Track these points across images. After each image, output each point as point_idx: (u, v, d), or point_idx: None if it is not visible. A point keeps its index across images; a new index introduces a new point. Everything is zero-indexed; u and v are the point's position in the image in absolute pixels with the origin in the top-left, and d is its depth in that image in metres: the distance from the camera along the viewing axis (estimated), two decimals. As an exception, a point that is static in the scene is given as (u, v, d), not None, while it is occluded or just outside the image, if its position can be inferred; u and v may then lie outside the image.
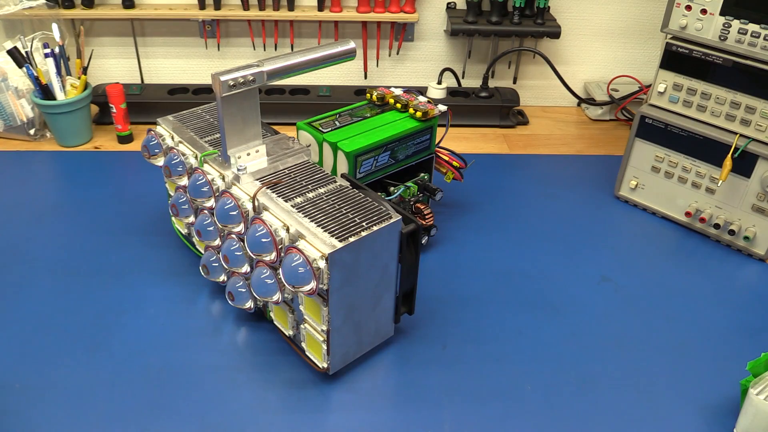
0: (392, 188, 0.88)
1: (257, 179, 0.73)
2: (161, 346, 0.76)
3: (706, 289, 0.89)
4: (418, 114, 0.87)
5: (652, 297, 0.87)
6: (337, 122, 0.86)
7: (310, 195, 0.71)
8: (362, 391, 0.72)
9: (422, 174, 0.92)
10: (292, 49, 1.31)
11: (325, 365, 0.70)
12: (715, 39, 0.90)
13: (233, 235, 0.73)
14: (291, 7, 1.24)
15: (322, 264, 0.62)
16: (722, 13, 0.88)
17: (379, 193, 0.79)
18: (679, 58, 0.94)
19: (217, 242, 0.78)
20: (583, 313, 0.84)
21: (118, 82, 1.17)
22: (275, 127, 0.84)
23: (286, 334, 0.75)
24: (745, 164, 0.91)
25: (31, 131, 1.18)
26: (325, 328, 0.67)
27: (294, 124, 0.89)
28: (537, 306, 0.84)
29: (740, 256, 0.95)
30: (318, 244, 0.63)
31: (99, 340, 0.76)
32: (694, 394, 0.73)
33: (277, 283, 0.67)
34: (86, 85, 1.16)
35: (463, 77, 1.35)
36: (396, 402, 0.71)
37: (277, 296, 0.68)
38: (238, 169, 0.73)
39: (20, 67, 1.10)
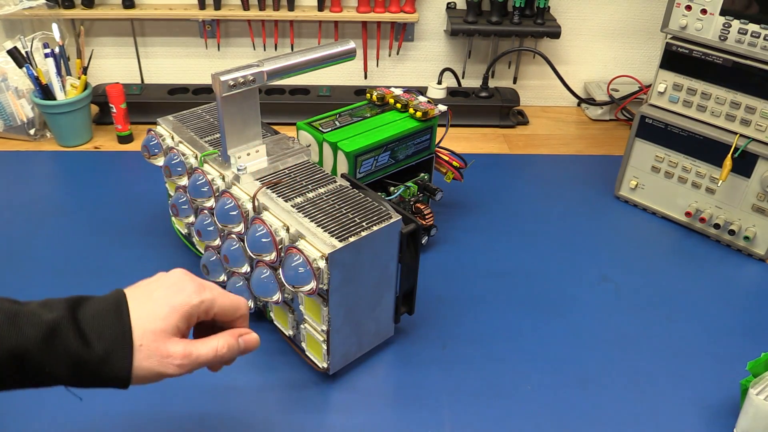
0: (392, 188, 0.88)
1: (257, 179, 0.73)
2: (161, 346, 0.76)
3: (706, 289, 0.89)
4: (418, 114, 0.87)
5: (652, 297, 0.87)
6: (337, 122, 0.86)
7: (310, 195, 0.71)
8: (362, 391, 0.72)
9: (422, 174, 0.92)
10: (292, 49, 1.31)
11: (325, 365, 0.70)
12: (715, 39, 0.90)
13: (233, 235, 0.73)
14: (291, 7, 1.24)
15: (322, 264, 0.62)
16: (722, 13, 0.88)
17: (379, 193, 0.79)
18: (679, 58, 0.94)
19: (217, 242, 0.78)
20: (583, 313, 0.84)
21: (118, 82, 1.17)
22: (275, 127, 0.84)
23: (286, 334, 0.75)
24: (745, 164, 0.91)
25: (31, 131, 1.18)
26: (325, 328, 0.67)
27: (294, 124, 0.89)
28: (537, 306, 0.84)
29: (740, 256, 0.95)
30: (318, 244, 0.63)
31: (99, 340, 0.76)
32: (694, 394, 0.73)
33: (277, 283, 0.67)
34: (86, 85, 1.16)
35: (463, 77, 1.35)
36: (396, 402, 0.71)
37: (277, 296, 0.68)
38: (238, 169, 0.73)
39: (20, 67, 1.10)
